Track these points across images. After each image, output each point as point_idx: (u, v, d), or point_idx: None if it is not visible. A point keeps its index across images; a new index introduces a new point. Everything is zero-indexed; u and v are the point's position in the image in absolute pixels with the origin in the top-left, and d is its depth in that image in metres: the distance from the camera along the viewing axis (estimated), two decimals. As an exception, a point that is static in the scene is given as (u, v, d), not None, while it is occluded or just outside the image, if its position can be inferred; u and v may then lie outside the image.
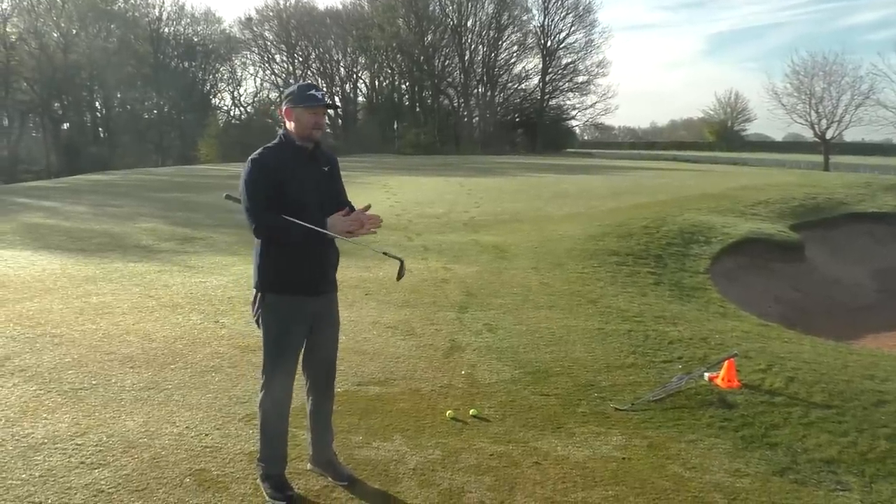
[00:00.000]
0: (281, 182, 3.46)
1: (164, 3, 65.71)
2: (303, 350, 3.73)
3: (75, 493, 3.67)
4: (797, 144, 68.60)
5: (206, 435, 4.44)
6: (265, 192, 3.45)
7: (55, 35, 55.67)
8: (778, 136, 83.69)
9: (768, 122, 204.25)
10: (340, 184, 3.82)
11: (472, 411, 4.89)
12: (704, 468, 4.12)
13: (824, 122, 47.50)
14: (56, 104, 56.84)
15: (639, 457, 4.26)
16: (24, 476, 3.84)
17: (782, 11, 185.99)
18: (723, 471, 4.10)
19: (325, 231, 3.43)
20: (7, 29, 52.53)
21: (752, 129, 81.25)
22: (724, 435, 4.59)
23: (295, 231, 3.41)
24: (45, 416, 4.69)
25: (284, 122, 3.64)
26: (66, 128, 58.96)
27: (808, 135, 53.21)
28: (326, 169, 3.70)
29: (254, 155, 3.52)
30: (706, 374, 5.53)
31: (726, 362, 5.52)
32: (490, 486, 3.87)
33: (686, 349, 6.41)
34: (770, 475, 4.07)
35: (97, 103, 62.38)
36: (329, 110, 3.71)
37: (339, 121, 67.27)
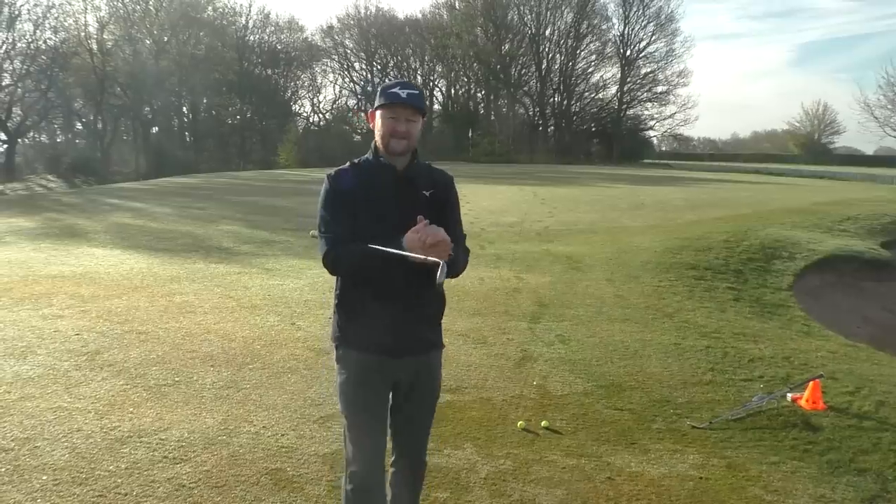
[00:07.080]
0: (354, 210, 2.70)
1: (250, 11, 68.14)
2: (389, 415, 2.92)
3: (158, 487, 3.80)
4: (890, 159, 65.50)
5: (283, 435, 4.53)
6: (336, 217, 2.70)
7: (148, 42, 58.34)
8: (869, 150, 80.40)
9: (859, 134, 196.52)
10: (449, 213, 2.79)
11: (543, 423, 4.85)
12: (787, 492, 3.97)
13: (920, 135, 45.36)
14: (146, 109, 59.39)
15: (717, 477, 4.13)
16: (111, 468, 4.00)
17: (877, 21, 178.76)
18: (807, 496, 3.94)
19: (406, 254, 2.47)
20: (104, 36, 55.27)
21: (841, 142, 78.35)
22: (808, 458, 4.41)
23: (364, 261, 2.61)
24: (131, 410, 4.88)
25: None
26: (154, 131, 61.56)
27: (901, 148, 50.92)
28: (428, 194, 2.77)
29: (330, 171, 2.83)
30: (789, 395, 5.33)
31: (811, 383, 5.31)
32: (562, 499, 3.82)
33: (767, 368, 6.21)
34: (858, 503, 3.89)
35: (184, 108, 64.99)
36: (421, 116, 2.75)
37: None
